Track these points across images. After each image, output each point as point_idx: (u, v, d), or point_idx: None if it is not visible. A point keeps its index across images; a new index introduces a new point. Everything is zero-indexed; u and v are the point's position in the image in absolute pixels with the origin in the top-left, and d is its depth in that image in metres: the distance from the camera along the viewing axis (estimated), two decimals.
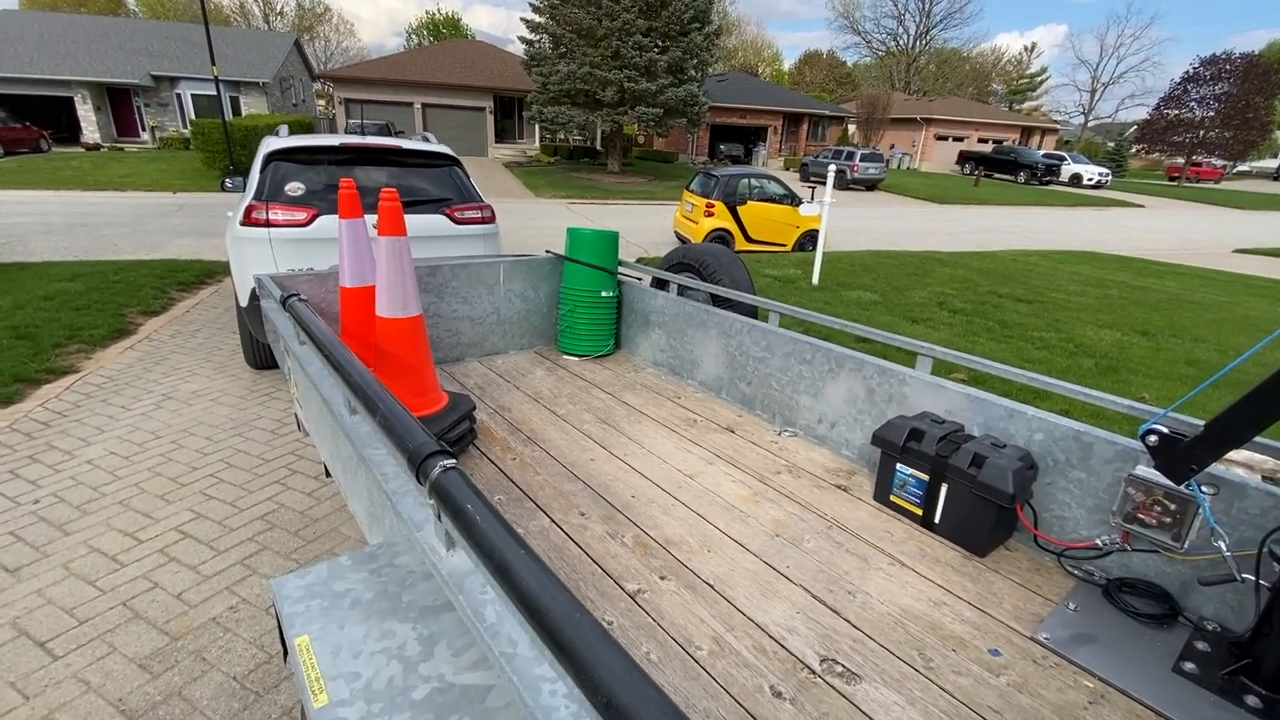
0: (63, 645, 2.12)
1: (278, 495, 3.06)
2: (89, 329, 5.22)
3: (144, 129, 26.37)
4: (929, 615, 1.59)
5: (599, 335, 3.39)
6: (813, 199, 11.17)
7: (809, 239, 10.88)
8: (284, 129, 4.67)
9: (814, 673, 1.38)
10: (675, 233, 11.46)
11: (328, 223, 4.08)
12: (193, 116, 24.75)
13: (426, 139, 5.04)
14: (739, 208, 10.45)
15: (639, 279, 3.45)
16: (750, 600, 1.61)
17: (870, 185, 25.12)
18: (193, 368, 4.72)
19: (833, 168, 8.56)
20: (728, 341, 2.87)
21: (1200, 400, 1.55)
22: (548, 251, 3.55)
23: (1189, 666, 1.44)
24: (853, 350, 2.39)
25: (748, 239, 10.62)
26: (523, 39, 23.04)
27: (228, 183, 5.87)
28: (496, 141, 29.53)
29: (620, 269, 3.41)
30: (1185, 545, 1.53)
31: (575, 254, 3.32)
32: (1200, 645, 1.50)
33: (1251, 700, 1.35)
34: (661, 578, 1.67)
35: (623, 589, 1.61)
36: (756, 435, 2.57)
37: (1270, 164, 46.69)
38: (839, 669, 1.40)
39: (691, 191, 10.95)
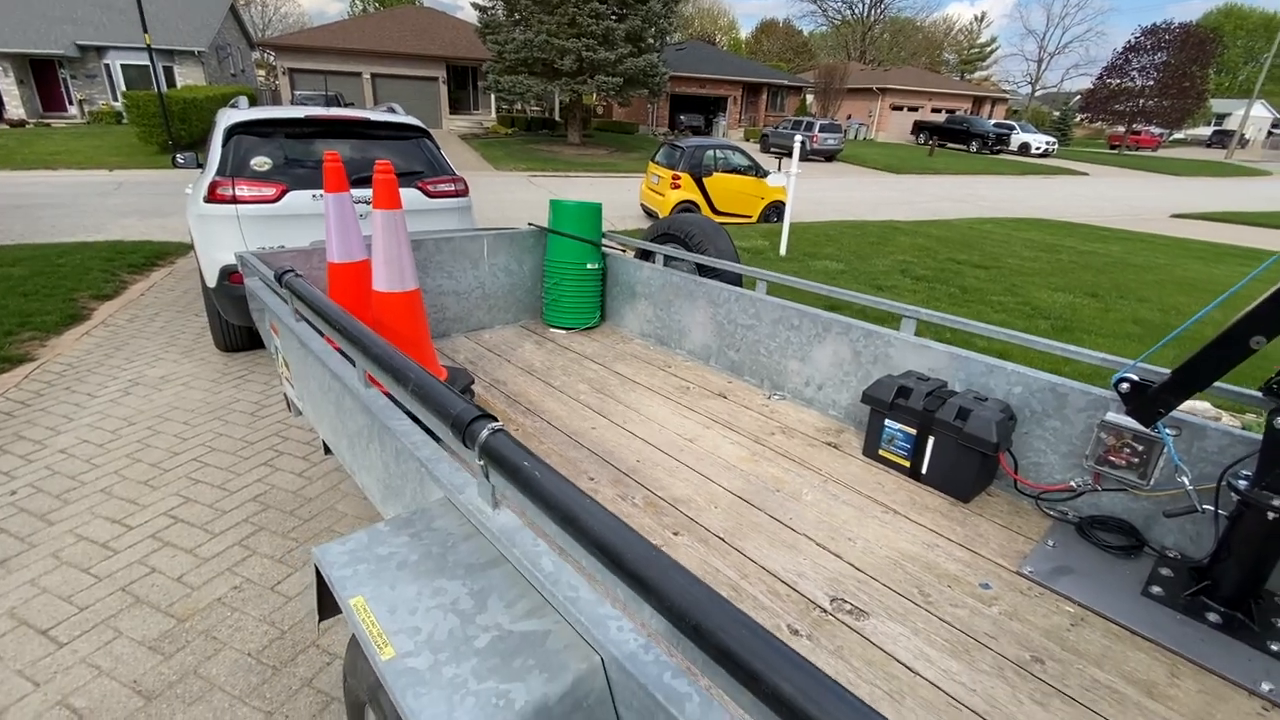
0: (66, 632, 2.09)
1: (267, 476, 3.03)
2: (40, 315, 4.97)
3: (71, 103, 24.66)
4: (923, 556, 1.72)
5: (585, 308, 3.42)
6: (779, 169, 11.25)
7: (774, 210, 10.98)
8: (243, 100, 4.48)
9: (825, 612, 1.49)
10: (642, 205, 11.42)
11: (297, 198, 3.96)
12: (123, 88, 23.24)
13: (393, 110, 4.89)
14: (705, 179, 10.45)
15: (623, 250, 3.48)
16: (760, 550, 1.71)
17: (829, 156, 25.35)
18: (157, 352, 4.56)
19: (798, 138, 8.64)
20: (716, 310, 2.94)
21: (1154, 355, 1.69)
22: (530, 224, 3.54)
23: (1156, 590, 1.60)
24: (839, 315, 2.50)
25: (714, 211, 10.66)
26: (476, 5, 22.25)
27: (179, 158, 5.62)
28: (451, 113, 28.64)
29: (605, 241, 3.43)
30: (1151, 482, 1.68)
31: (559, 226, 3.33)
32: (1165, 571, 1.67)
33: (1212, 617, 1.52)
34: (675, 534, 1.75)
35: None
36: (748, 400, 2.67)
37: (1204, 132, 48.83)
38: (848, 607, 1.51)
39: (657, 163, 10.90)
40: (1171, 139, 46.19)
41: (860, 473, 2.13)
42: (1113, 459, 1.74)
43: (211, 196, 3.85)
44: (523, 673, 0.96)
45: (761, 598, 1.53)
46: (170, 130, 16.39)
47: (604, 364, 2.98)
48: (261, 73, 43.32)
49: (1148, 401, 1.61)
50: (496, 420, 1.11)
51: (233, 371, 4.27)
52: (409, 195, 4.33)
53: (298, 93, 21.87)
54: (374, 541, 1.25)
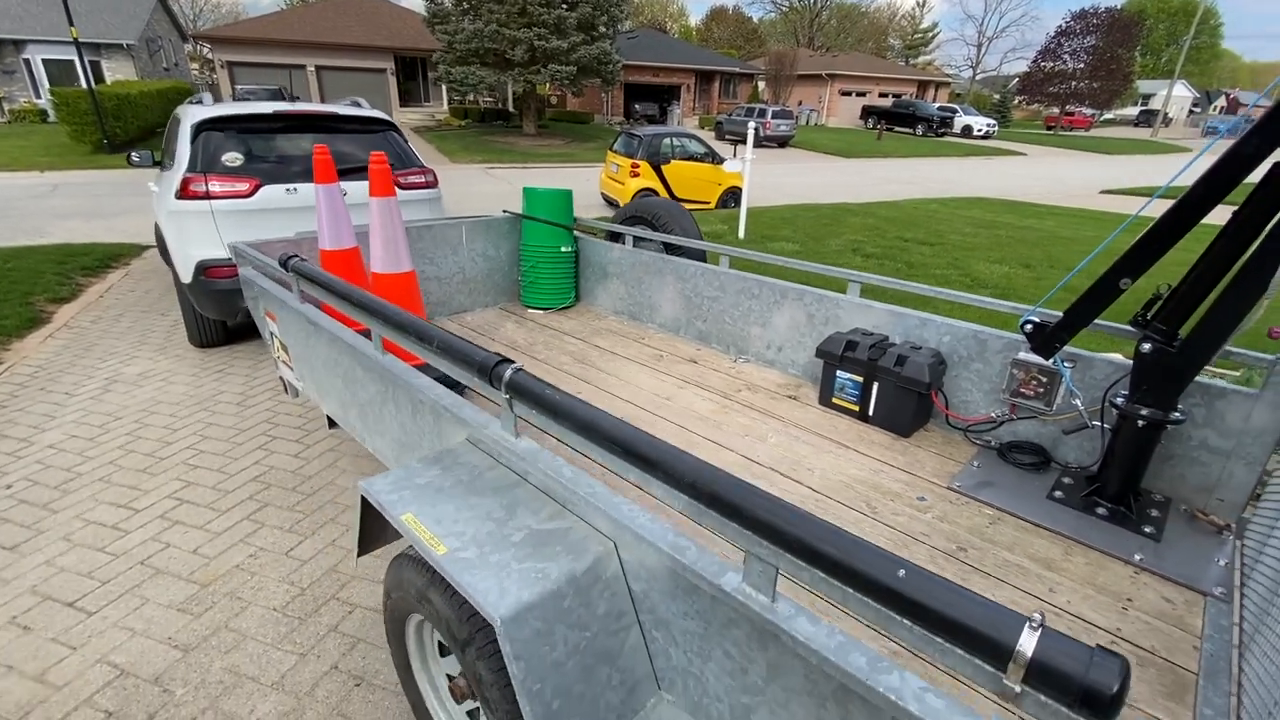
0: (93, 603, 2.23)
1: (264, 459, 3.17)
2: None
3: None
4: (871, 479, 2.03)
5: (560, 289, 3.64)
6: (735, 156, 11.57)
7: (731, 196, 11.31)
8: (208, 96, 4.51)
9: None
10: (602, 194, 11.60)
11: (271, 192, 4.05)
12: (46, 85, 22.04)
13: (358, 104, 4.98)
14: (663, 167, 10.69)
15: (594, 234, 3.71)
16: None
17: (782, 142, 25.87)
18: (129, 351, 4.58)
19: (752, 125, 8.95)
20: (683, 285, 3.20)
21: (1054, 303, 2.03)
22: (505, 211, 3.73)
23: (1058, 494, 1.94)
24: (794, 283, 2.79)
25: (673, 198, 10.92)
26: None
27: (134, 156, 5.59)
28: (401, 105, 28.07)
29: (576, 225, 3.65)
30: (1054, 407, 2.02)
31: (533, 212, 3.53)
32: (1066, 480, 2.01)
33: (1101, 511, 1.86)
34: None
35: (629, 483, 1.94)
36: (715, 364, 2.94)
37: (1131, 112, 51.47)
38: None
39: (615, 152, 11.08)
40: (1102, 119, 48.54)
41: (817, 418, 2.43)
42: (1024, 391, 2.07)
43: (184, 193, 3.90)
44: (552, 556, 1.20)
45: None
46: (105, 128, 15.72)
47: (583, 339, 3.21)
48: (196, 66, 41.50)
49: (1047, 339, 1.94)
50: (516, 362, 1.35)
51: (211, 366, 4.34)
52: None
53: (240, 87, 21.11)
54: (410, 475, 1.47)
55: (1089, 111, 44.38)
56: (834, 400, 2.47)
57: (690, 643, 1.14)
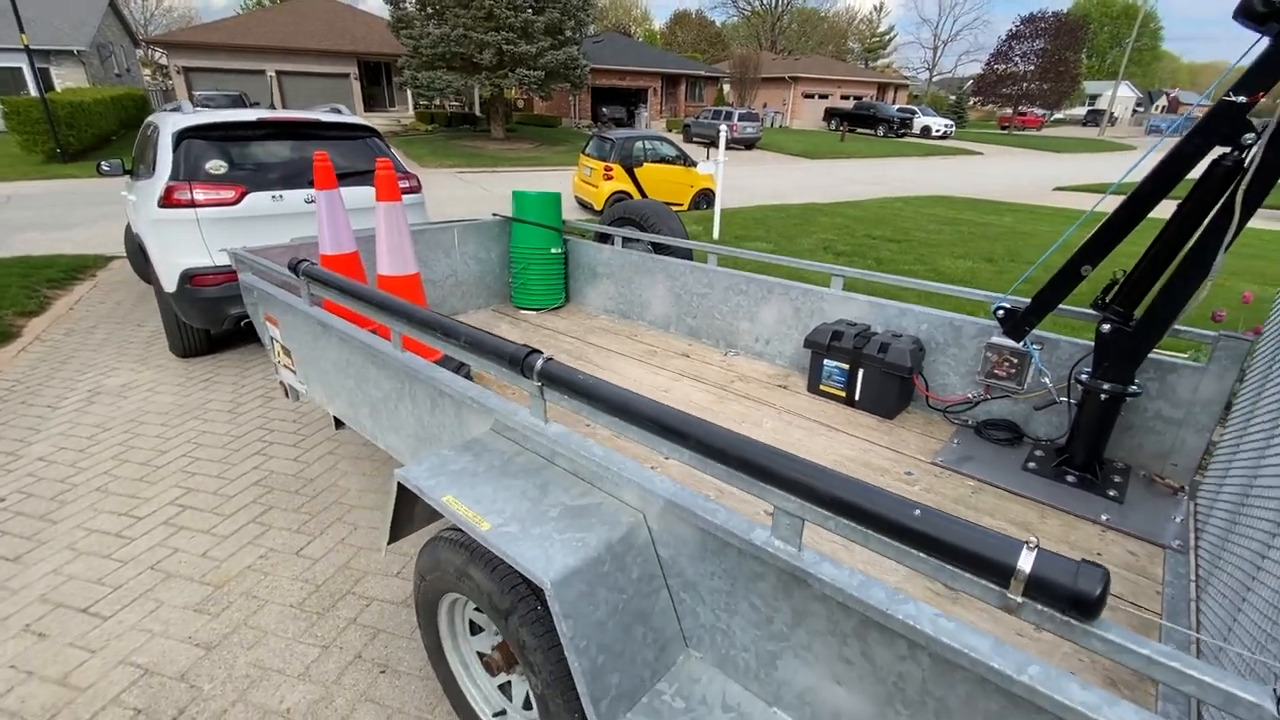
0: (107, 608, 2.25)
1: (264, 464, 3.19)
2: None
3: None
4: (860, 458, 2.18)
5: (551, 289, 3.73)
6: (708, 158, 11.77)
7: (704, 198, 11.50)
8: (186, 104, 4.48)
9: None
10: (576, 197, 11.69)
11: (258, 200, 4.05)
12: None
13: (338, 110, 4.99)
14: (636, 170, 10.83)
15: (584, 235, 3.81)
16: None
17: (749, 144, 26.27)
18: (109, 363, 4.52)
19: (723, 128, 9.15)
20: (673, 283, 3.33)
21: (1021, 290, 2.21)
22: (495, 215, 3.81)
23: (1031, 465, 2.12)
24: (779, 278, 2.94)
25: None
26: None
27: (104, 165, 5.50)
28: (366, 110, 27.69)
29: (566, 228, 3.75)
30: (1025, 386, 2.20)
31: (522, 215, 3.62)
32: (1038, 453, 2.19)
33: (1070, 479, 2.04)
34: (665, 457, 2.13)
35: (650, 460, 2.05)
36: (707, 357, 3.08)
37: (1080, 111, 53.55)
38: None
39: (588, 155, 11.18)
40: (1053, 119, 50.40)
41: (807, 404, 2.58)
42: (997, 372, 2.25)
43: (168, 201, 3.89)
44: (588, 527, 1.31)
45: (740, 494, 1.93)
46: (58, 137, 15.21)
47: (577, 337, 3.31)
48: (149, 72, 40.26)
49: (1018, 323, 2.12)
50: (544, 352, 1.45)
51: (197, 375, 4.31)
52: (365, 193, 4.47)
53: (198, 93, 20.58)
54: (444, 462, 1.56)
55: (1040, 112, 46.07)
56: (822, 387, 2.62)
57: (717, 600, 1.26)
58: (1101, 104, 49.64)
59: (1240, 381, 1.95)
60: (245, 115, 4.21)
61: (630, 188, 10.84)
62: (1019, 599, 0.81)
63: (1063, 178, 19.40)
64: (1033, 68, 40.87)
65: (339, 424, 2.73)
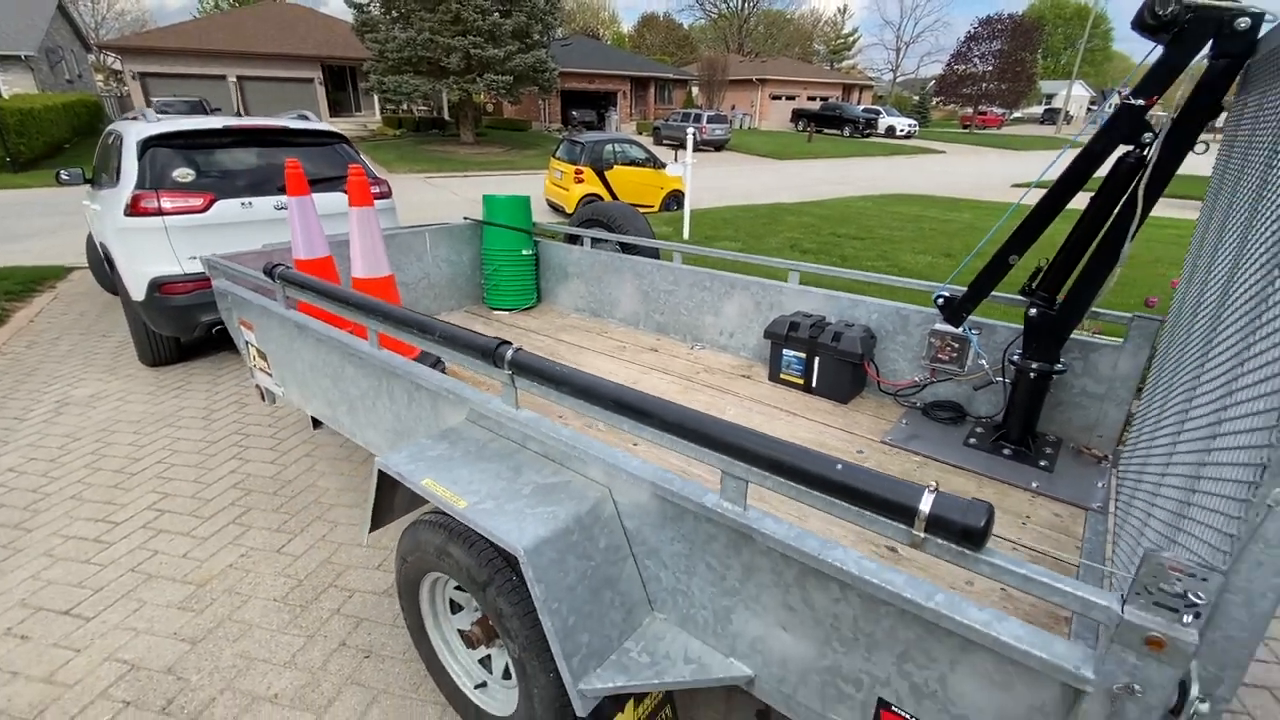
0: (89, 609, 2.29)
1: (240, 467, 3.23)
2: None
3: None
4: (816, 439, 2.33)
5: (523, 290, 3.83)
6: (677, 160, 11.94)
7: (674, 199, 11.67)
8: (150, 112, 4.46)
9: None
10: (547, 200, 11.76)
11: (226, 207, 4.07)
12: None
13: (306, 117, 5.02)
14: (606, 172, 10.95)
15: (554, 237, 3.92)
16: None
17: (718, 145, 26.57)
18: (76, 374, 4.48)
19: (690, 131, 9.32)
20: (640, 281, 3.45)
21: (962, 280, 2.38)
22: (466, 218, 3.89)
23: (972, 441, 2.29)
24: (741, 274, 3.08)
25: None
26: (350, 2, 21.42)
27: (63, 174, 5.45)
28: (331, 115, 27.34)
29: (536, 230, 3.85)
30: (965, 369, 2.37)
31: (493, 218, 3.71)
32: (978, 429, 2.36)
33: (1006, 452, 2.21)
34: (634, 444, 2.25)
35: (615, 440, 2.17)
36: (675, 351, 3.21)
37: (1037, 110, 55.20)
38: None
39: (559, 159, 11.27)
40: (1012, 118, 51.83)
41: (768, 392, 2.72)
42: (940, 357, 2.42)
43: (134, 210, 3.89)
44: (558, 502, 1.43)
45: (703, 475, 2.06)
46: (8, 145, 14.76)
47: (549, 335, 3.42)
48: (101, 78, 39.09)
49: (956, 310, 2.29)
50: (514, 344, 1.56)
51: (167, 384, 4.30)
52: (335, 199, 4.51)
53: (156, 100, 20.16)
54: (422, 449, 1.66)
55: (999, 111, 47.34)
56: (782, 376, 2.77)
57: (678, 563, 1.39)
58: (1058, 103, 51.27)
59: (1151, 358, 2.14)
60: (211, 123, 4.23)
61: (601, 190, 10.96)
62: (922, 535, 0.95)
63: (1021, 175, 20.04)
64: (991, 68, 42.04)
65: (317, 424, 2.79)
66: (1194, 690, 0.82)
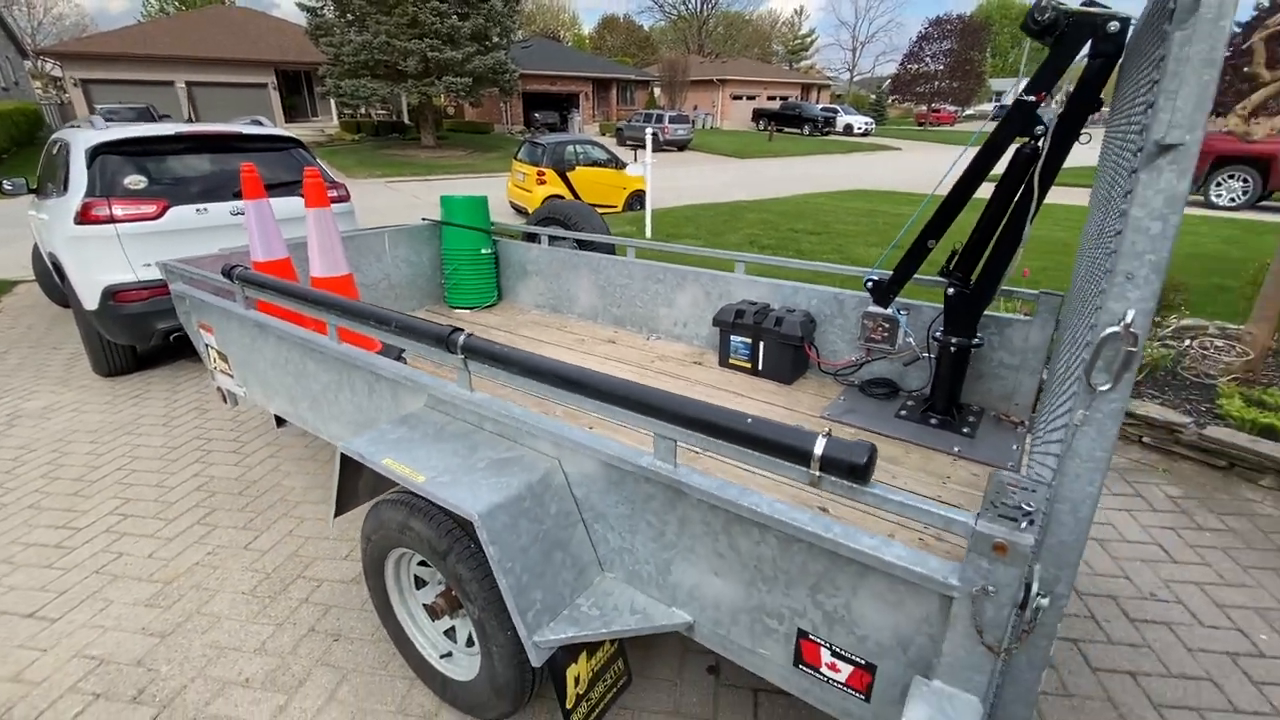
0: (54, 611, 2.31)
1: (204, 471, 3.25)
2: None
3: None
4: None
5: (483, 288, 3.92)
6: (636, 160, 12.08)
7: (636, 199, 11.82)
8: (98, 120, 4.41)
9: (698, 453, 2.19)
10: (510, 202, 11.79)
11: (181, 213, 4.07)
12: None
13: (260, 122, 5.01)
14: (569, 174, 11.04)
15: (512, 236, 4.02)
16: None
17: (681, 145, 26.87)
18: (27, 386, 4.41)
19: (649, 131, 9.48)
20: (597, 276, 3.58)
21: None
22: (424, 219, 3.96)
23: (903, 413, 2.47)
24: (691, 266, 3.23)
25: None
26: (302, 6, 21.06)
27: (7, 185, 5.33)
28: (287, 121, 26.78)
29: (494, 229, 3.94)
30: (896, 347, 2.56)
31: (451, 218, 3.79)
32: (909, 403, 2.55)
33: (933, 421, 2.40)
34: (589, 428, 2.37)
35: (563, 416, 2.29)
36: (631, 342, 3.34)
37: (988, 107, 57.09)
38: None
39: (520, 161, 11.32)
40: (964, 114, 53.48)
41: (718, 376, 2.88)
42: (873, 337, 2.60)
43: (85, 218, 3.86)
44: (511, 474, 1.54)
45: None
46: None
47: (509, 331, 3.52)
48: (39, 84, 37.56)
49: (884, 292, 2.48)
50: (465, 330, 1.67)
51: (124, 393, 4.27)
52: (294, 204, 4.52)
53: (100, 107, 19.43)
54: (383, 434, 1.76)
55: (952, 108, 48.84)
56: (731, 361, 2.93)
57: (622, 524, 1.52)
58: (1007, 100, 52.86)
59: (1056, 330, 2.35)
60: (163, 130, 4.21)
61: (564, 191, 11.04)
62: (817, 474, 1.10)
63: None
64: (942, 67, 43.40)
65: (280, 422, 2.85)
66: (1035, 587, 0.99)
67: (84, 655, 2.12)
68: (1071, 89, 1.95)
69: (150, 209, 3.97)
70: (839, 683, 1.29)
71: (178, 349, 4.80)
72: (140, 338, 4.15)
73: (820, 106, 39.01)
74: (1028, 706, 1.13)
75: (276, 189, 4.49)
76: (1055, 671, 2.07)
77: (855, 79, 69.97)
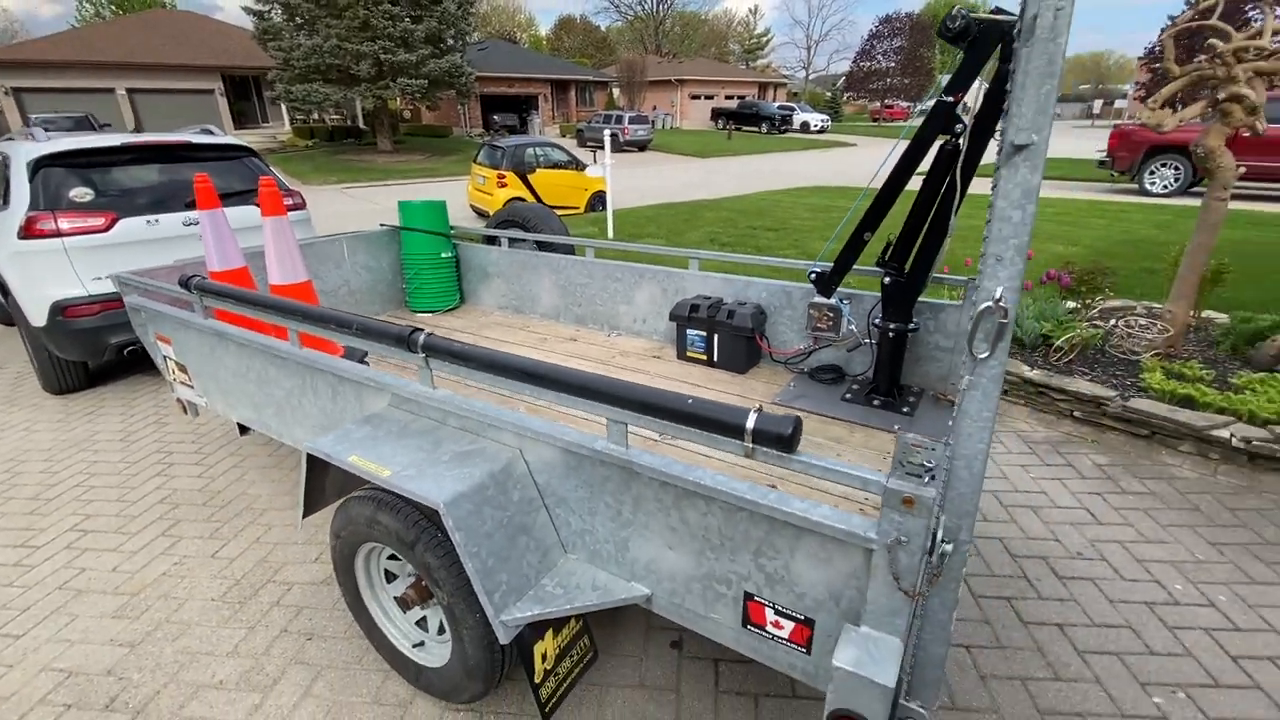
0: (18, 628, 2.30)
1: (166, 484, 3.23)
2: None
3: None
4: None
5: (445, 292, 3.96)
6: (596, 162, 12.15)
7: (598, 200, 11.89)
8: (39, 130, 4.31)
9: (657, 440, 2.30)
10: (471, 206, 11.75)
11: (131, 225, 4.01)
12: None
13: (210, 131, 4.95)
14: (529, 175, 11.06)
15: (472, 239, 4.07)
16: None
17: (642, 146, 27.01)
18: None
19: (608, 132, 9.58)
20: (558, 277, 3.66)
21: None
22: (382, 225, 3.99)
23: (848, 396, 2.63)
24: (648, 265, 3.35)
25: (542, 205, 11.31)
26: (248, 9, 20.54)
27: None
28: (236, 128, 26.04)
29: (454, 232, 3.99)
30: (839, 335, 2.71)
31: (409, 223, 3.83)
32: (854, 386, 2.70)
33: (876, 402, 2.56)
34: (558, 412, 2.46)
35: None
36: (593, 340, 3.44)
37: None
38: (668, 437, 2.34)
39: (480, 164, 11.29)
40: (917, 110, 55.02)
41: (676, 369, 3.00)
42: (819, 326, 2.75)
43: (29, 232, 3.78)
44: (474, 464, 1.63)
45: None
46: None
47: (472, 333, 3.57)
48: None
49: (826, 283, 2.63)
50: (425, 329, 1.74)
51: (77, 410, 4.18)
52: (249, 213, 4.48)
53: (36, 117, 18.60)
54: (348, 433, 1.82)
55: (905, 104, 50.15)
56: (688, 354, 3.05)
57: (582, 506, 1.62)
58: (929, 102, 54.57)
59: None
60: (109, 140, 4.14)
61: (525, 194, 11.05)
62: (750, 445, 1.21)
63: (925, 164, 21.38)
64: (893, 64, 44.53)
65: (243, 430, 2.86)
66: (940, 535, 1.12)
67: (52, 669, 2.12)
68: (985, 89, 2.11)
69: (98, 221, 3.90)
70: (783, 639, 1.41)
71: (132, 363, 4.71)
72: (92, 353, 4.08)
73: (777, 105, 39.65)
74: (943, 644, 1.27)
75: (230, 198, 4.45)
76: (990, 626, 2.24)
77: (811, 77, 71.23)
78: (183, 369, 2.87)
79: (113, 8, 40.54)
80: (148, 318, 2.84)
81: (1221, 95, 3.54)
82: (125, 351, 4.06)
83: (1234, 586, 2.43)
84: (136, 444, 3.68)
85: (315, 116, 26.12)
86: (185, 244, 4.12)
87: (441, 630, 1.92)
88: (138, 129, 17.90)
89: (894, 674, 1.14)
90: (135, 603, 2.41)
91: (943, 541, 1.12)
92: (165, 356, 2.93)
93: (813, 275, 2.65)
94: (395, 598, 1.96)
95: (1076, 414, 3.66)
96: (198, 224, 4.14)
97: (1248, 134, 3.65)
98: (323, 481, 1.96)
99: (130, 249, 3.98)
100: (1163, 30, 5.43)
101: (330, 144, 25.10)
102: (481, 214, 11.32)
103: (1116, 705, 1.94)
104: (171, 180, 4.31)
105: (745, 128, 37.05)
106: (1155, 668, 2.07)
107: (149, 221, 4.07)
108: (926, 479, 1.08)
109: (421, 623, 1.98)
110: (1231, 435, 3.14)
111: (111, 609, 2.38)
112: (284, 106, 23.88)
